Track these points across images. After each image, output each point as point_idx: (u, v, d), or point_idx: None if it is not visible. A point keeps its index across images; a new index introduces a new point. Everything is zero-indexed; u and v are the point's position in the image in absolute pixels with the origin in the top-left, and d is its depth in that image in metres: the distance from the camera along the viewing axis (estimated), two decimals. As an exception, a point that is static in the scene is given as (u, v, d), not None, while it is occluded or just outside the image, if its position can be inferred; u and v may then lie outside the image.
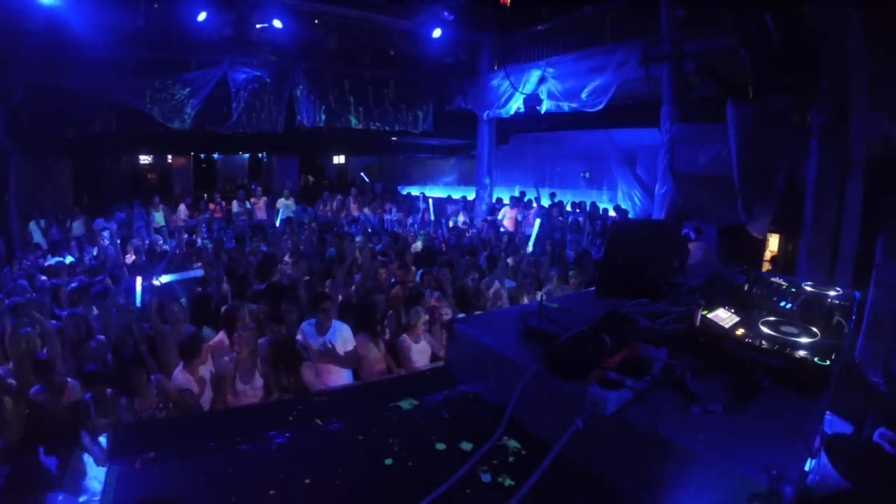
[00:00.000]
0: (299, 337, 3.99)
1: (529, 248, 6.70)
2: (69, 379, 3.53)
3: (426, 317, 4.32)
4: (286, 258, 6.84)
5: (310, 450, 1.38)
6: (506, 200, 11.67)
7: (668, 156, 7.98)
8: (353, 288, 5.27)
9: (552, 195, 11.58)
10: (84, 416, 3.21)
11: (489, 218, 10.84)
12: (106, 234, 8.43)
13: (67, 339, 4.00)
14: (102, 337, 4.14)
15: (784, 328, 1.45)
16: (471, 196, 12.98)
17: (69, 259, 7.10)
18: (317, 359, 3.86)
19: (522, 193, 11.78)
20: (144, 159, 13.54)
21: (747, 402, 1.20)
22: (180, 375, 3.60)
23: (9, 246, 7.87)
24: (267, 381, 3.74)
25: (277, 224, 10.11)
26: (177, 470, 1.28)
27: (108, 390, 3.38)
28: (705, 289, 2.08)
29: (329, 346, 3.87)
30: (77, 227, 9.52)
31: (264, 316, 4.32)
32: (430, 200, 11.78)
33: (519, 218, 10.49)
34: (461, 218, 11.11)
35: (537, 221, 7.67)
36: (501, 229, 9.70)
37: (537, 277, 5.72)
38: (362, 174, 14.02)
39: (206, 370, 3.75)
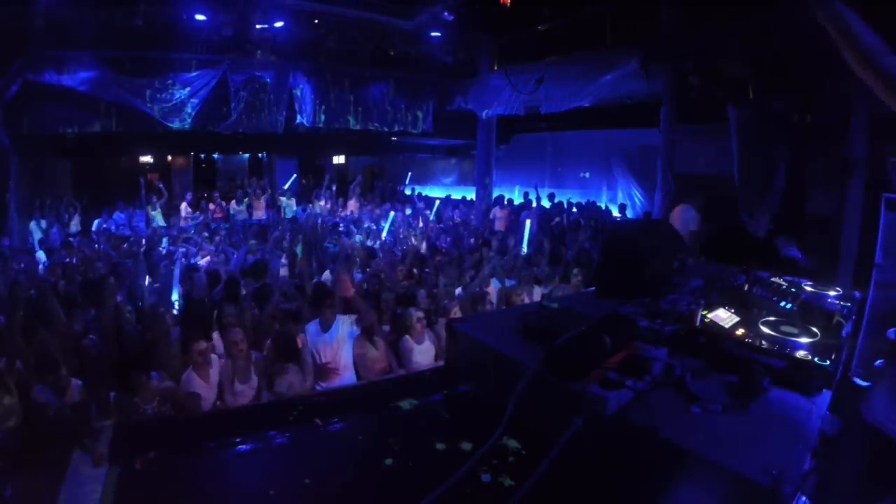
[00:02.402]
0: (306, 338, 4.00)
1: (524, 249, 6.69)
2: (74, 379, 3.53)
3: (419, 314, 4.30)
4: (283, 259, 6.85)
5: (310, 450, 1.38)
6: (500, 200, 11.65)
7: (667, 156, 7.98)
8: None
9: (551, 195, 11.57)
10: (85, 417, 3.21)
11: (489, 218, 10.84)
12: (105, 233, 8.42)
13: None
14: (94, 336, 4.12)
15: (784, 328, 1.45)
16: (470, 196, 12.99)
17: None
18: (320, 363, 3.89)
19: (525, 194, 11.78)
20: (144, 159, 13.53)
21: (747, 402, 1.20)
22: (190, 378, 3.61)
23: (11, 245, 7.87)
24: (261, 381, 3.76)
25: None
26: (177, 470, 1.28)
27: (111, 394, 3.38)
28: (705, 289, 2.08)
29: (334, 346, 3.91)
30: (74, 224, 9.52)
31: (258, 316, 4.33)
32: (436, 202, 11.78)
33: (514, 218, 10.49)
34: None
35: (528, 222, 7.67)
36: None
37: (535, 276, 5.70)
38: (409, 173, 13.77)
39: (214, 374, 3.76)
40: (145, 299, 4.90)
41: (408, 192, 13.15)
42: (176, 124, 10.34)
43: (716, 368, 1.38)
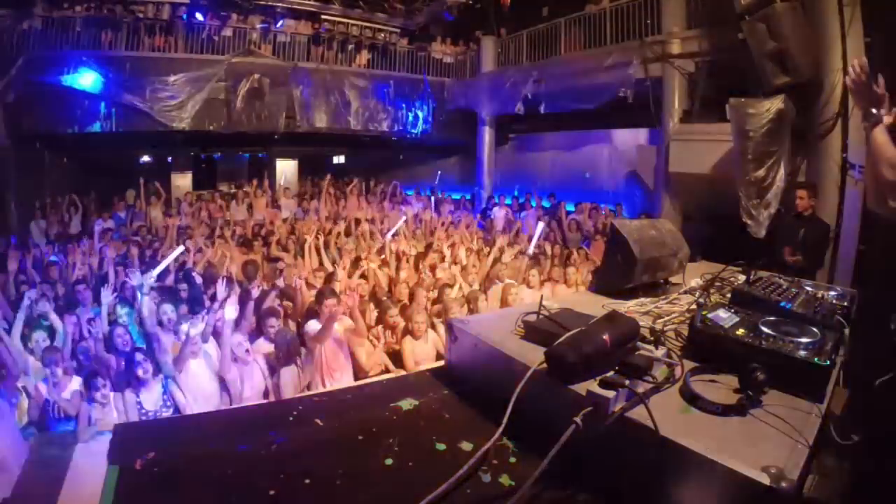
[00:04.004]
0: (307, 332, 4.01)
1: (530, 251, 6.68)
2: (74, 376, 3.57)
3: (420, 313, 4.30)
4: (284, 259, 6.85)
5: (310, 450, 1.38)
6: (497, 200, 11.64)
7: (667, 155, 7.98)
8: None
9: (551, 195, 11.56)
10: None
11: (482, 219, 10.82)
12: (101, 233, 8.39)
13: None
14: (95, 335, 4.13)
15: (784, 328, 1.45)
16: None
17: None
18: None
19: (529, 194, 11.79)
20: (144, 159, 13.54)
21: (747, 403, 1.20)
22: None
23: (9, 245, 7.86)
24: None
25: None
26: (177, 470, 1.28)
27: (111, 391, 3.40)
28: (705, 289, 2.08)
29: (334, 346, 3.91)
30: (74, 224, 9.51)
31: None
32: (433, 199, 11.75)
33: (512, 217, 10.48)
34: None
35: (540, 224, 7.68)
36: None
37: (535, 276, 5.69)
38: (439, 172, 13.64)
39: (210, 358, 3.78)
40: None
41: (410, 192, 13.07)
42: (175, 124, 10.34)
43: (716, 368, 1.38)
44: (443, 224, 8.60)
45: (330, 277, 5.03)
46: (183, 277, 5.47)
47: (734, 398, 1.23)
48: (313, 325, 3.94)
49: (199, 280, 5.48)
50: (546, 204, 11.20)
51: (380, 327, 4.52)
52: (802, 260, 4.51)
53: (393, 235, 7.30)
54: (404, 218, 8.02)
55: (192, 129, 10.60)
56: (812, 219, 4.79)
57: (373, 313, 4.77)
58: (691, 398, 1.23)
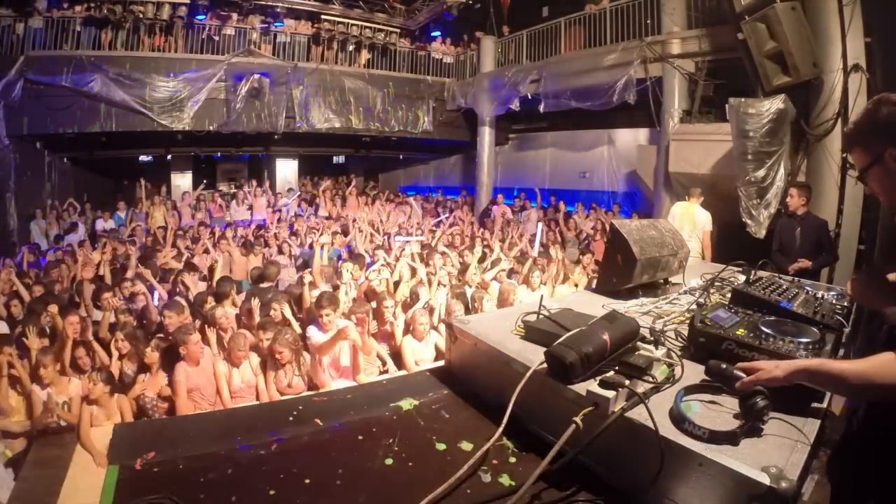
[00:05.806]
0: (309, 337, 4.01)
1: (535, 252, 6.68)
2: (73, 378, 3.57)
3: (422, 314, 4.30)
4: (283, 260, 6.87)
5: (310, 450, 1.38)
6: (498, 199, 11.65)
7: (667, 155, 7.98)
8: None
9: (552, 195, 11.57)
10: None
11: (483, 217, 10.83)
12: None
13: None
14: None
15: (784, 328, 1.45)
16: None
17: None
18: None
19: (524, 193, 11.79)
20: (144, 159, 13.54)
21: (741, 433, 1.11)
22: (182, 367, 3.63)
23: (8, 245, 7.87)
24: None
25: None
26: (177, 470, 1.28)
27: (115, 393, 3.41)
28: (705, 289, 2.08)
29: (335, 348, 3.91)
30: (74, 224, 9.50)
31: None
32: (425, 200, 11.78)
33: (510, 216, 10.49)
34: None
35: (540, 225, 7.67)
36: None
37: (535, 275, 5.69)
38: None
39: (207, 363, 3.78)
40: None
41: (412, 193, 13.12)
42: (175, 124, 10.35)
43: (716, 388, 1.30)
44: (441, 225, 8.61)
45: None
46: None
47: (724, 428, 1.13)
48: (317, 336, 3.93)
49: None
50: (546, 204, 11.21)
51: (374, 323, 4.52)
52: (809, 265, 4.54)
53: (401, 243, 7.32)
54: (420, 236, 7.96)
55: (191, 129, 10.60)
56: (807, 217, 4.82)
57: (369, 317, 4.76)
58: (678, 419, 1.13)
